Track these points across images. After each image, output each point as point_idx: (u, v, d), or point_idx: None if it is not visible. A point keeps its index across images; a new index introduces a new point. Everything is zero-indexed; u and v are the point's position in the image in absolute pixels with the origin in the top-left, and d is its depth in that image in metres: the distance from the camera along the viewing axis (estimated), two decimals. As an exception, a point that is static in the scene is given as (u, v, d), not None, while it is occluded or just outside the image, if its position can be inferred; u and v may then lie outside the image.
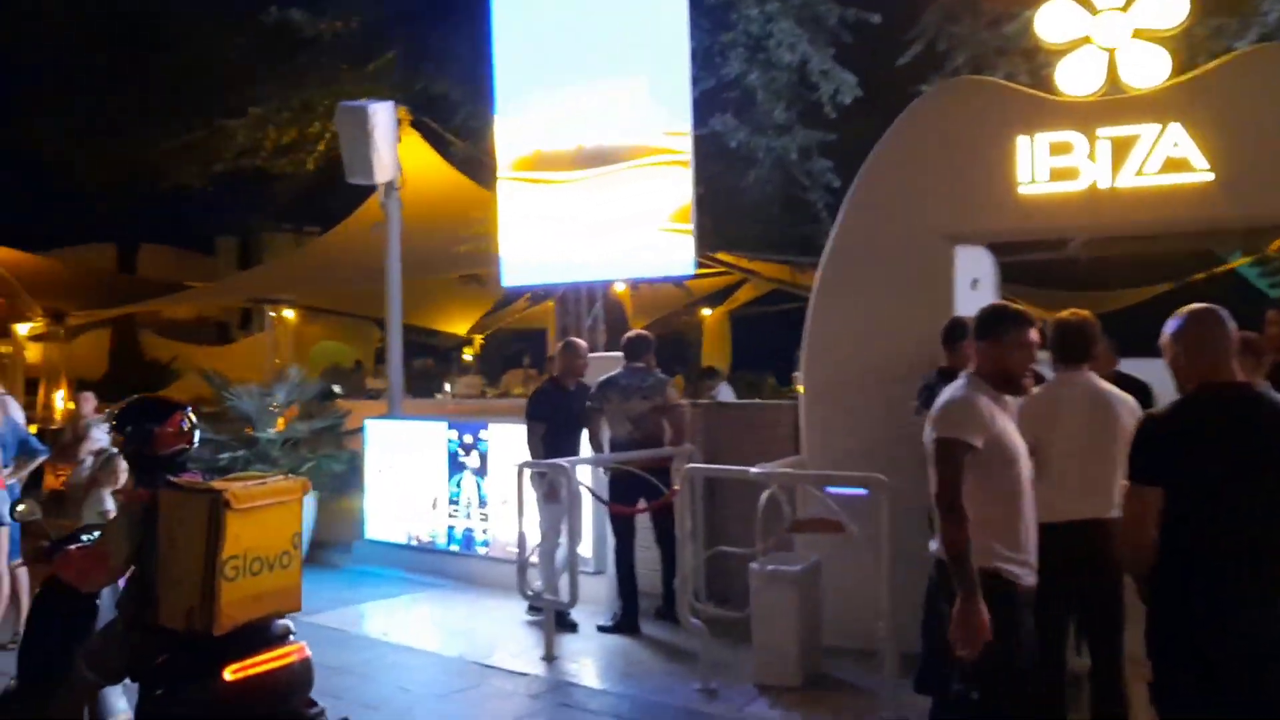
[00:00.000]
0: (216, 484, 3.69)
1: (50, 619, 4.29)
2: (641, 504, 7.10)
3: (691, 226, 8.50)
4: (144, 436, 4.03)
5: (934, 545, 3.70)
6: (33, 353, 16.86)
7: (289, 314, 19.70)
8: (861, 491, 5.44)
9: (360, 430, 9.83)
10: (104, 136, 15.74)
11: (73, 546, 4.23)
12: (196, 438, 4.15)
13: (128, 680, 3.99)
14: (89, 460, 8.02)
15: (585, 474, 7.16)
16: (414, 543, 9.21)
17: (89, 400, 8.88)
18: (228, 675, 3.59)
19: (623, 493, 7.16)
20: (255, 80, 12.52)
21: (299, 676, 3.80)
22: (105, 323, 23.26)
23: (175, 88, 14.17)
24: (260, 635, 3.73)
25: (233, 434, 9.64)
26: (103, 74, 15.91)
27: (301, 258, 15.19)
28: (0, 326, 16.57)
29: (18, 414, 7.16)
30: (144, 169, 15.44)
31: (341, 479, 9.90)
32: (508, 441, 8.37)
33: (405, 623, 7.65)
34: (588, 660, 6.66)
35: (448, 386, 16.89)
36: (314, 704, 3.84)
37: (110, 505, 7.34)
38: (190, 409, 4.18)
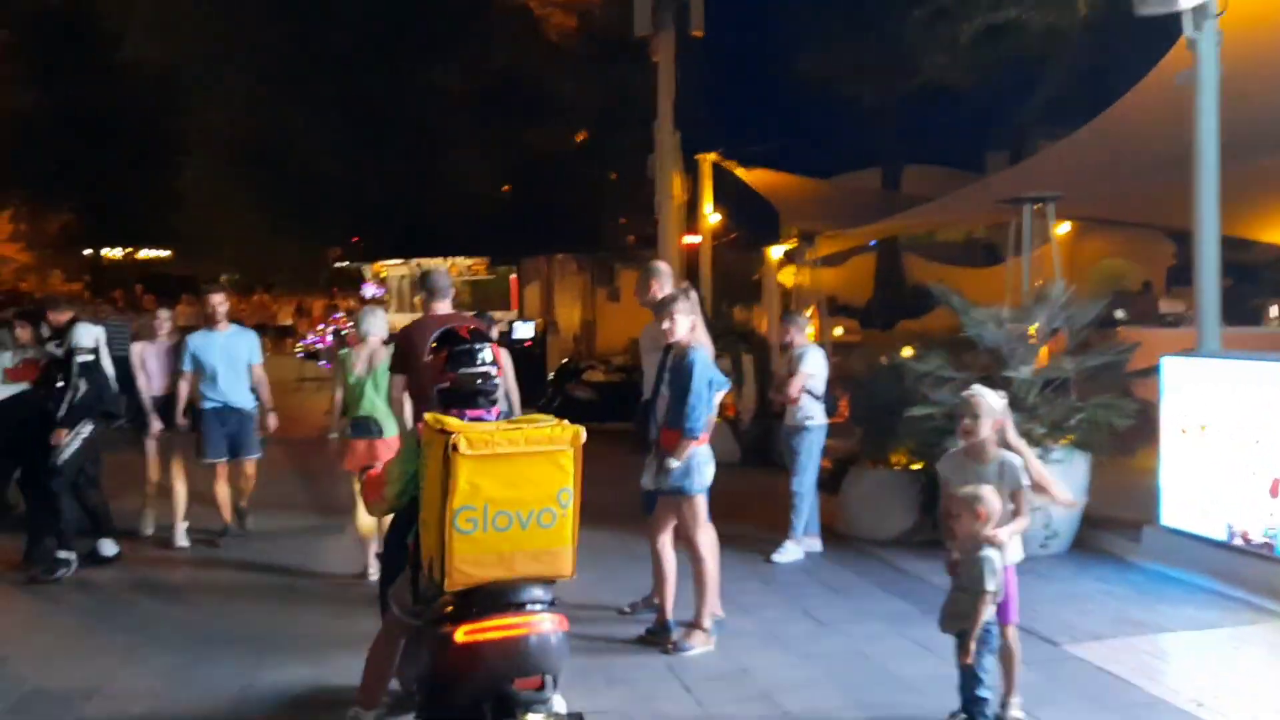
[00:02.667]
0: (455, 425, 3.29)
1: (392, 549, 4.22)
2: None
3: None
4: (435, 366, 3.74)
5: None
6: (788, 276, 16.50)
7: (1063, 228, 16.94)
8: None
9: (1153, 371, 6.98)
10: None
11: (375, 469, 4.01)
12: (488, 373, 3.67)
13: None
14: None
15: None
16: (1239, 542, 6.17)
17: (795, 327, 7.36)
18: (459, 635, 3.29)
19: None
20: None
21: (529, 653, 3.32)
22: (871, 247, 22.83)
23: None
24: (503, 599, 3.34)
25: (978, 371, 7.44)
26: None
27: (1070, 150, 12.26)
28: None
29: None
30: (902, 67, 13.92)
31: (1127, 438, 7.19)
32: None
33: (1234, 687, 4.78)
34: None
35: (1273, 311, 12.89)
36: (542, 686, 3.33)
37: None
38: (483, 343, 3.71)
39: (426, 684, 3.53)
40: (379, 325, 6.96)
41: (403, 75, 17.38)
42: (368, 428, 6.69)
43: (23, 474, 7.38)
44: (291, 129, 17.98)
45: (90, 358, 7.19)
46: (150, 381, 7.94)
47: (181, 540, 7.76)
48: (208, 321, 7.84)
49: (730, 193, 18.06)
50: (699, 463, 5.42)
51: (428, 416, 3.39)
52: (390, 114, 17.68)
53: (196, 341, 7.73)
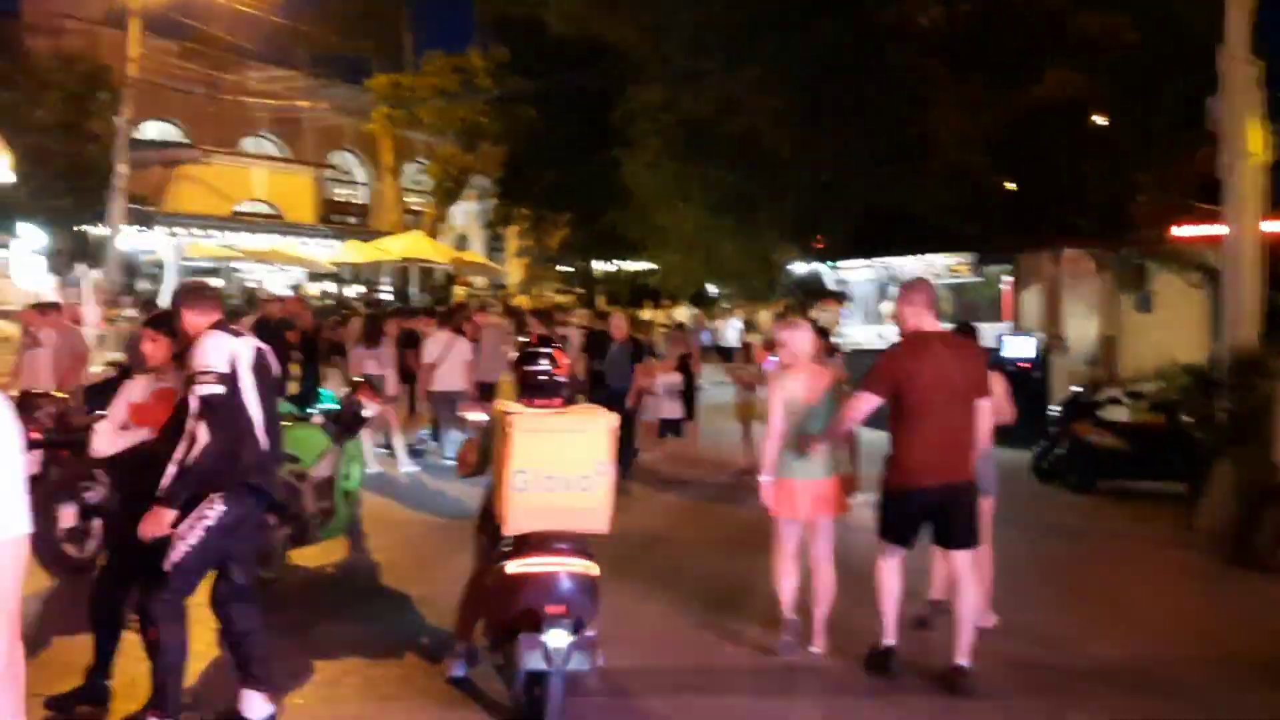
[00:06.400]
0: (516, 408, 4.58)
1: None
2: None
3: None
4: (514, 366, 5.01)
5: None
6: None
7: None
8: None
9: None
10: None
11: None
12: (546, 370, 4.78)
13: None
14: None
15: None
16: None
17: None
18: (509, 569, 4.38)
19: None
20: None
21: (558, 586, 4.33)
22: None
23: None
24: (544, 544, 4.41)
25: None
26: None
27: None
28: None
29: None
30: None
31: None
32: None
33: None
34: None
35: None
36: (567, 614, 4.27)
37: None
38: (547, 348, 4.91)
39: (488, 607, 4.63)
40: (803, 343, 6.01)
41: (861, 18, 13.67)
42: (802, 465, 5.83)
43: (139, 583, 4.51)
44: (731, 103, 15.05)
45: (219, 389, 4.29)
46: None
47: None
48: None
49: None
50: None
51: (496, 403, 4.83)
52: (844, 70, 14.05)
53: None
